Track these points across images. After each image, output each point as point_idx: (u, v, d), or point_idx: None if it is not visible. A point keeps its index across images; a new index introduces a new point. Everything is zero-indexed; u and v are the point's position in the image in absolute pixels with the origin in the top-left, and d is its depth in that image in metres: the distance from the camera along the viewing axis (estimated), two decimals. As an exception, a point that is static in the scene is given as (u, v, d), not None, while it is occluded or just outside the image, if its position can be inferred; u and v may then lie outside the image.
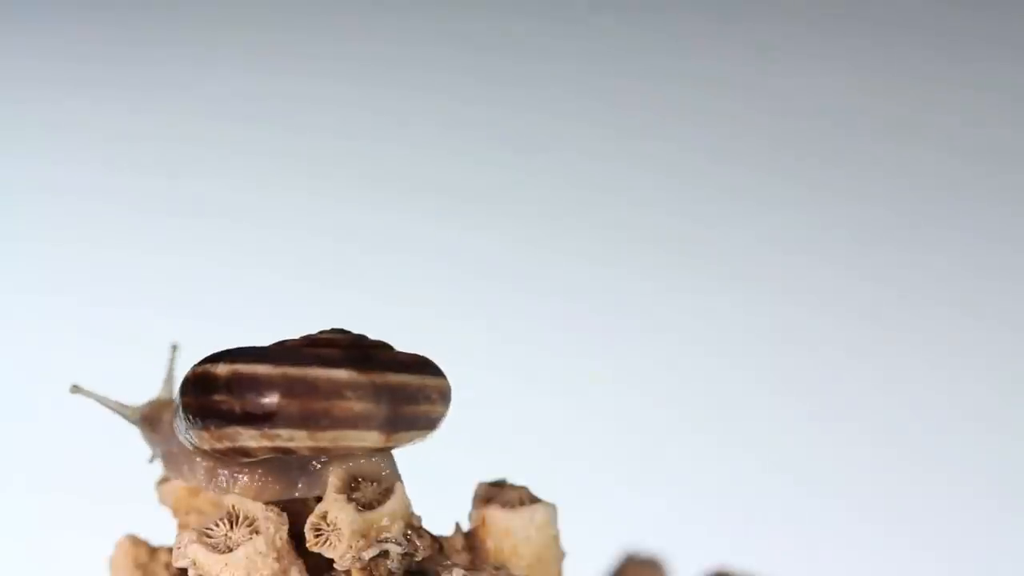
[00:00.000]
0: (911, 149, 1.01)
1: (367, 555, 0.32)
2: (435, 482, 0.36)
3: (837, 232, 0.96)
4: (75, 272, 0.91)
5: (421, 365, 0.33)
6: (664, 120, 1.04)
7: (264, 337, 0.33)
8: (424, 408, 0.32)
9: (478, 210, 0.99)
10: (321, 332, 0.33)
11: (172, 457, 0.35)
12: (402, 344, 0.33)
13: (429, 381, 0.32)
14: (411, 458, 0.34)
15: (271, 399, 0.31)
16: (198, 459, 0.33)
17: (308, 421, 0.31)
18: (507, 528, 0.34)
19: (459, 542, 0.34)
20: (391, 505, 0.32)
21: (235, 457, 0.32)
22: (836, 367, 0.87)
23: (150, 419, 0.36)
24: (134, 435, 0.37)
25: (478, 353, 0.83)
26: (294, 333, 0.33)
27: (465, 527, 0.35)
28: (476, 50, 1.08)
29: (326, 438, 0.31)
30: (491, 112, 1.05)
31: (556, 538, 0.35)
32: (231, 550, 0.31)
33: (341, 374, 0.31)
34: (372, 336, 0.33)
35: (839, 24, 1.09)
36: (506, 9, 1.11)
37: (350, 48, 1.09)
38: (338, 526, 0.31)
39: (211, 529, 0.32)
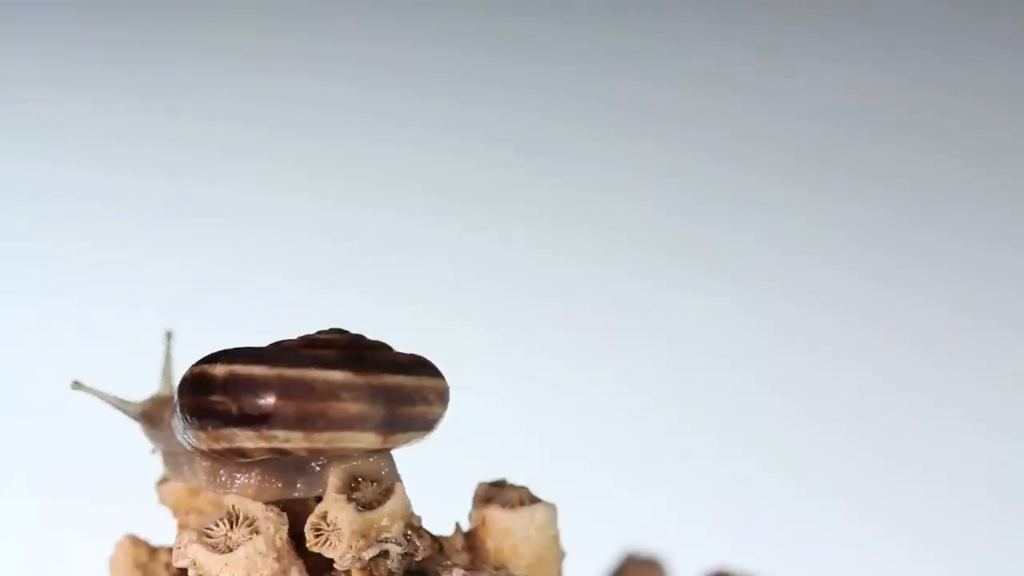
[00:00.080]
0: (911, 149, 1.01)
1: (367, 555, 0.32)
2: (435, 482, 0.36)
3: (837, 232, 0.96)
4: (75, 272, 0.91)
5: (418, 366, 0.33)
6: (664, 120, 1.04)
7: (264, 337, 0.33)
8: (421, 409, 0.32)
9: (478, 210, 0.99)
10: (319, 332, 0.33)
11: (172, 457, 0.35)
12: (402, 344, 0.33)
13: (426, 382, 0.32)
14: (411, 458, 0.34)
15: (267, 400, 0.31)
16: (198, 459, 0.33)
17: (304, 422, 0.31)
18: (507, 528, 0.34)
19: (459, 542, 0.34)
20: (391, 505, 0.32)
21: (233, 458, 0.32)
22: (836, 367, 0.87)
23: (150, 416, 0.36)
24: (134, 435, 0.37)
25: (478, 353, 0.83)
26: (293, 333, 0.33)
27: (465, 527, 0.35)
28: (476, 50, 1.08)
29: (322, 439, 0.31)
30: (491, 112, 1.05)
31: (556, 538, 0.35)
32: (231, 550, 0.31)
33: (337, 375, 0.31)
34: (371, 336, 0.33)
35: (839, 24, 1.09)
36: (506, 9, 1.11)
37: (350, 48, 1.09)
38: (338, 526, 0.31)
39: (211, 529, 0.32)
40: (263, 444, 0.31)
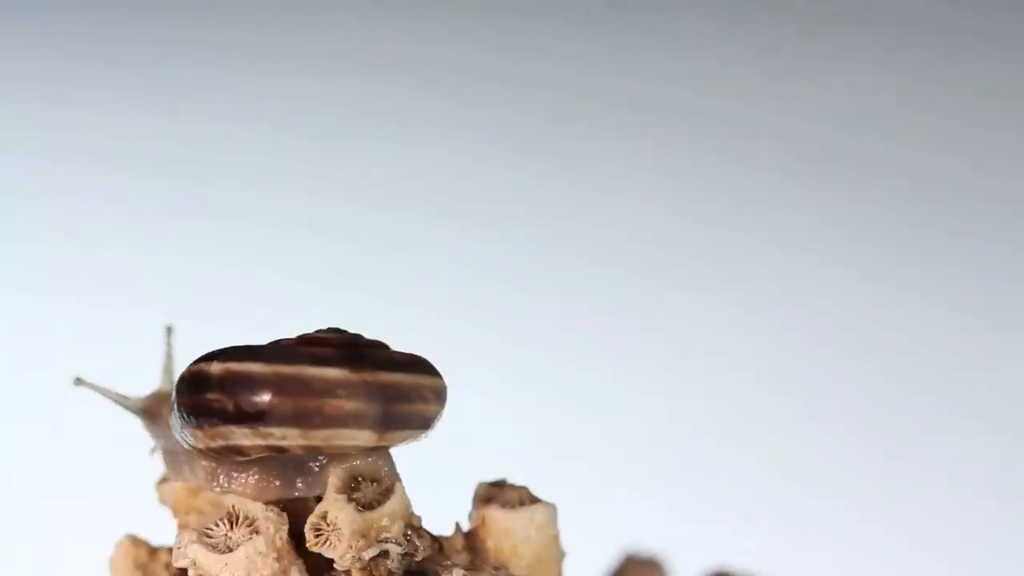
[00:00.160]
0: (911, 149, 1.01)
1: (367, 555, 0.32)
2: (435, 482, 0.36)
3: (837, 232, 0.96)
4: (75, 272, 0.91)
5: (415, 364, 0.33)
6: (664, 120, 1.04)
7: (264, 337, 0.33)
8: (418, 407, 0.32)
9: (478, 210, 0.99)
10: (317, 331, 0.33)
11: (172, 456, 0.35)
12: (401, 345, 0.33)
13: (423, 380, 0.32)
14: (411, 458, 0.34)
15: (263, 397, 0.31)
16: (198, 459, 0.33)
17: (300, 419, 0.31)
18: (507, 528, 0.34)
19: (459, 542, 0.34)
20: (391, 505, 0.32)
21: (230, 456, 0.32)
22: (836, 367, 0.87)
23: (150, 412, 0.36)
24: (134, 435, 0.37)
25: (478, 353, 0.83)
26: (293, 333, 0.33)
27: (465, 527, 0.35)
28: (476, 50, 1.08)
29: (318, 437, 0.31)
30: (491, 112, 1.05)
31: (556, 538, 0.35)
32: (231, 550, 0.31)
33: (333, 373, 0.31)
34: (370, 336, 0.33)
35: (839, 24, 1.09)
36: (506, 9, 1.11)
37: (350, 48, 1.09)
38: (338, 526, 0.31)
39: (211, 529, 0.32)
40: (259, 442, 0.31)
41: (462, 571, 0.33)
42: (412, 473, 0.34)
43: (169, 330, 0.37)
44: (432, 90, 1.06)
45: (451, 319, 0.87)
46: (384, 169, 1.01)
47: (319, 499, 0.32)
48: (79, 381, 0.36)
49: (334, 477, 0.32)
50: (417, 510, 0.33)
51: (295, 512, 0.33)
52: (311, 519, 0.32)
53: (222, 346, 0.32)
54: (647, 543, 0.46)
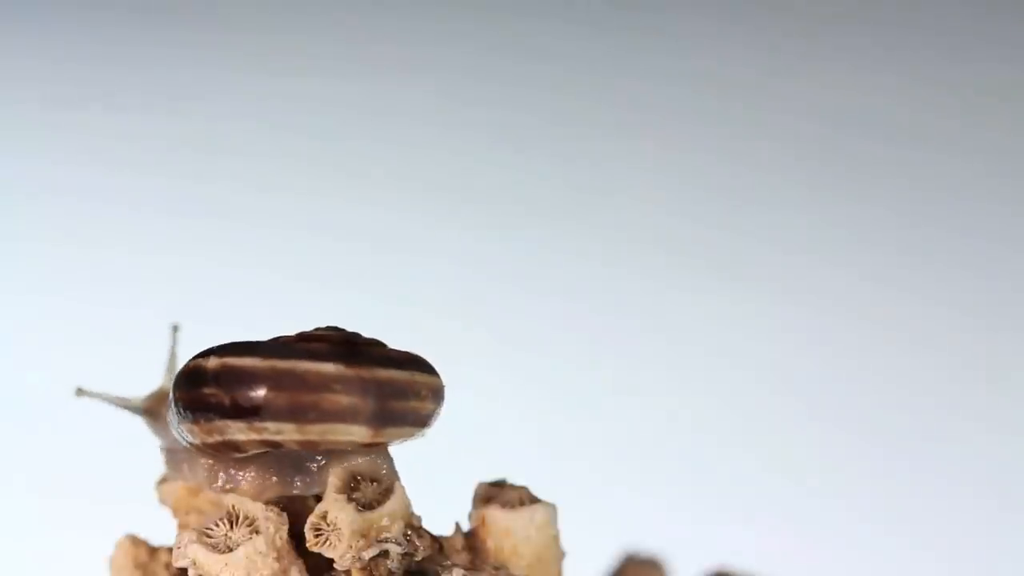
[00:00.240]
0: (911, 149, 1.01)
1: (367, 555, 0.32)
2: (435, 482, 0.36)
3: (837, 232, 0.96)
4: (75, 272, 0.91)
5: (412, 362, 0.33)
6: (664, 120, 1.04)
7: (264, 337, 0.33)
8: (414, 404, 0.32)
9: (478, 210, 0.99)
10: (316, 329, 0.33)
11: (173, 455, 0.35)
12: (402, 344, 0.33)
13: (419, 377, 0.32)
14: (411, 458, 0.34)
15: (258, 392, 0.31)
16: (198, 456, 0.33)
17: (296, 414, 0.31)
18: (507, 528, 0.34)
19: (459, 542, 0.34)
20: (391, 505, 0.32)
21: (226, 452, 0.32)
22: (836, 367, 0.87)
23: (152, 412, 0.36)
24: (133, 435, 0.37)
25: (478, 353, 0.83)
26: (293, 332, 0.33)
27: (465, 527, 0.35)
28: (476, 50, 1.08)
29: (314, 431, 0.31)
30: (491, 112, 1.05)
31: (556, 538, 0.35)
32: (231, 550, 0.31)
33: (329, 367, 0.31)
34: (369, 335, 0.33)
35: (839, 24, 1.09)
36: (506, 9, 1.11)
37: (350, 48, 1.09)
38: (338, 526, 0.31)
39: (211, 529, 0.32)
40: (255, 436, 0.31)
41: (462, 571, 0.33)
42: (412, 473, 0.34)
43: (175, 328, 0.37)
44: (432, 90, 1.06)
45: (451, 319, 0.87)
46: (384, 169, 1.01)
47: (319, 499, 0.32)
48: (80, 392, 0.36)
49: (334, 477, 0.32)
50: (417, 510, 0.33)
51: (295, 512, 0.33)
52: (311, 519, 0.32)
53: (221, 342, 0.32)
54: (647, 543, 0.46)
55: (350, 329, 0.33)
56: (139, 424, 0.37)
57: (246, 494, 0.33)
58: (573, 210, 0.98)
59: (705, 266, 0.94)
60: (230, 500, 0.32)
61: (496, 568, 0.34)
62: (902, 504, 0.78)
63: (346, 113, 1.04)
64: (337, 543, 0.31)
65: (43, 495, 0.74)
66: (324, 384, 0.31)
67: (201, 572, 0.31)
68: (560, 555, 0.35)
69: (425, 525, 0.33)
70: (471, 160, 1.03)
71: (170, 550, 0.35)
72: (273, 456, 0.33)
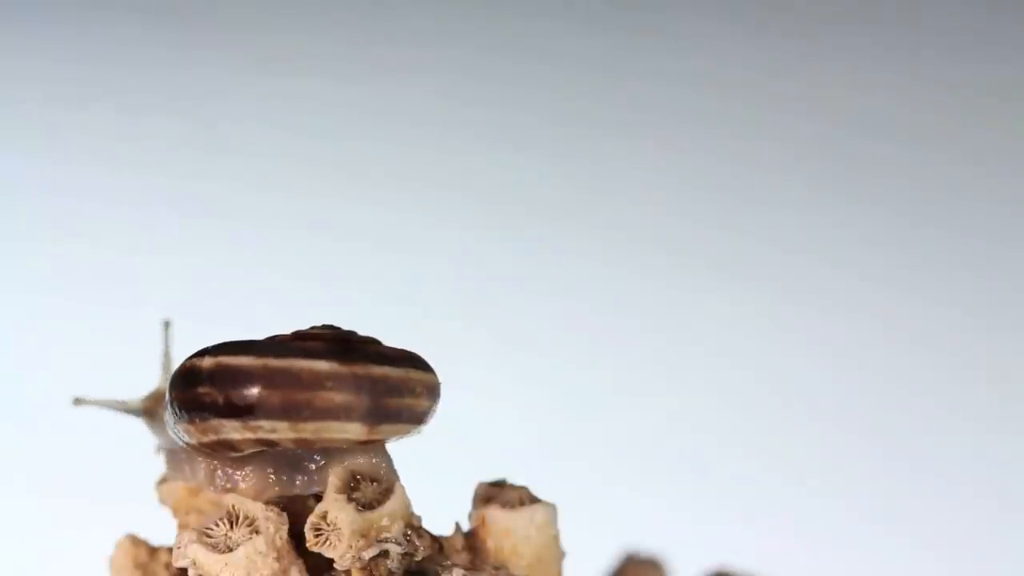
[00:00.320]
0: (911, 149, 1.01)
1: (367, 555, 0.32)
2: (435, 482, 0.36)
3: (837, 232, 0.96)
4: (75, 272, 0.91)
5: (407, 359, 0.33)
6: (664, 120, 1.04)
7: (263, 337, 0.33)
8: (408, 401, 0.32)
9: (478, 210, 0.99)
10: (312, 328, 0.33)
11: (173, 455, 0.35)
12: (402, 344, 0.33)
13: (414, 375, 0.32)
14: (411, 458, 0.34)
15: (252, 390, 0.31)
16: (199, 458, 0.33)
17: (290, 412, 0.31)
18: (507, 528, 0.34)
19: (459, 542, 0.34)
20: (391, 505, 0.32)
21: (223, 451, 0.32)
22: (837, 367, 0.87)
23: (151, 412, 0.36)
24: (133, 435, 0.37)
25: (478, 353, 0.83)
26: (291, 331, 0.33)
27: (465, 527, 0.35)
28: (476, 50, 1.08)
29: (308, 429, 0.31)
30: (491, 112, 1.05)
31: (556, 538, 0.35)
32: (231, 550, 0.31)
33: (322, 365, 0.31)
34: (367, 334, 0.33)
35: (839, 24, 1.09)
36: (506, 9, 1.11)
37: (350, 48, 1.09)
38: (338, 526, 0.31)
39: (211, 529, 0.32)
40: (249, 435, 0.31)
41: (462, 571, 0.33)
42: (412, 473, 0.34)
43: (167, 324, 0.37)
44: (432, 90, 1.06)
45: (451, 319, 0.87)
46: (384, 169, 1.01)
47: (319, 499, 0.32)
48: (78, 401, 0.36)
49: (334, 476, 0.32)
50: (417, 510, 0.33)
51: (295, 512, 0.33)
52: (311, 519, 0.32)
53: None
54: (647, 543, 0.46)
55: (347, 328, 0.33)
56: (138, 424, 0.37)
57: (246, 494, 0.33)
58: (573, 210, 0.98)
59: (705, 266, 0.94)
60: (230, 500, 0.32)
61: (496, 568, 0.34)
62: (902, 504, 0.78)
63: (346, 113, 1.04)
64: (337, 543, 0.31)
65: (43, 495, 0.74)
66: (318, 382, 0.31)
67: (201, 572, 0.31)
68: (560, 555, 0.35)
69: (425, 525, 0.33)
70: (471, 160, 1.03)
71: (170, 550, 0.35)
72: (272, 456, 0.33)
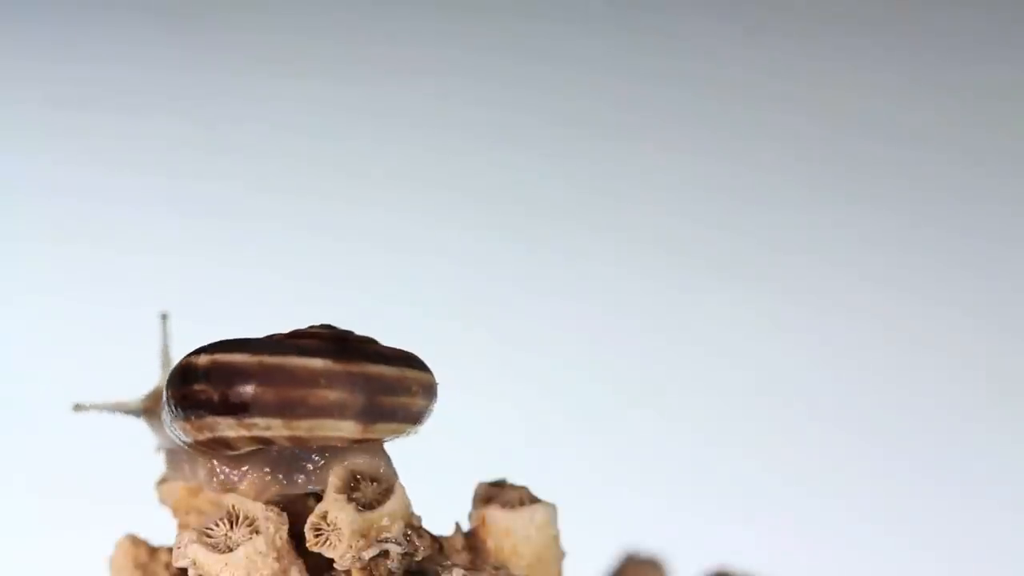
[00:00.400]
0: (911, 150, 1.01)
1: (367, 555, 0.32)
2: (435, 482, 0.36)
3: (837, 232, 0.96)
4: (75, 272, 0.91)
5: (402, 358, 0.33)
6: (665, 120, 1.04)
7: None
8: (403, 400, 0.32)
9: (478, 210, 0.99)
10: (309, 327, 0.33)
11: (174, 455, 0.35)
12: (402, 344, 0.33)
13: (410, 374, 0.32)
14: (412, 458, 0.34)
15: (247, 387, 0.31)
16: (199, 457, 0.33)
17: (284, 409, 0.31)
18: (507, 528, 0.34)
19: (459, 542, 0.34)
20: (391, 505, 0.32)
21: (218, 449, 0.32)
22: (836, 367, 0.87)
23: (151, 411, 0.36)
24: (133, 435, 0.37)
25: (478, 353, 0.83)
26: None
27: (465, 527, 0.35)
28: (476, 50, 1.08)
29: (302, 427, 0.31)
30: (491, 112, 1.05)
31: (556, 538, 0.35)
32: (231, 550, 0.31)
33: (317, 363, 0.31)
34: (367, 334, 0.33)
35: (839, 24, 1.09)
36: (506, 9, 1.11)
37: (350, 48, 1.09)
38: (338, 526, 0.31)
39: (211, 529, 0.32)
40: (244, 433, 0.31)
41: (462, 571, 0.33)
42: (412, 473, 0.34)
43: (164, 317, 0.37)
44: (432, 90, 1.06)
45: (451, 319, 0.87)
46: (384, 169, 1.01)
47: (319, 498, 0.32)
48: (78, 407, 0.36)
49: (334, 476, 0.32)
50: (417, 510, 0.33)
51: (295, 512, 0.33)
52: (311, 519, 0.32)
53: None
54: (647, 543, 0.46)
55: (345, 328, 0.33)
56: (138, 424, 0.37)
57: (246, 494, 0.33)
58: (573, 210, 0.98)
59: (705, 266, 0.94)
60: (230, 500, 0.32)
61: (496, 568, 0.34)
62: (902, 504, 0.78)
63: (346, 113, 1.04)
64: (337, 543, 0.31)
65: (43, 495, 0.74)
66: (312, 379, 0.31)
67: (201, 572, 0.31)
68: (560, 555, 0.35)
69: (425, 525, 0.33)
70: (471, 160, 1.03)
71: (170, 550, 0.35)
72: (271, 455, 0.33)
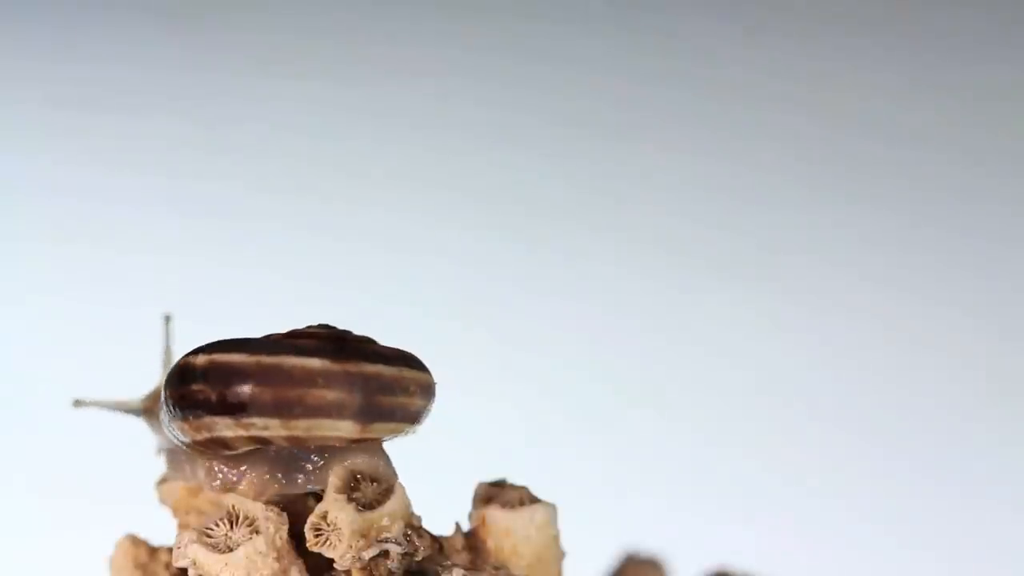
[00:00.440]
0: (912, 150, 1.01)
1: (367, 555, 0.32)
2: (435, 482, 0.36)
3: (837, 232, 0.96)
4: (75, 272, 0.91)
5: (400, 358, 0.32)
6: (665, 120, 1.04)
7: (262, 337, 0.33)
8: (401, 400, 0.32)
9: (478, 210, 0.99)
10: (307, 327, 0.33)
11: (174, 455, 0.35)
12: (402, 344, 0.33)
13: (408, 373, 0.32)
14: (411, 458, 0.34)
15: (244, 387, 0.31)
16: (198, 458, 0.33)
17: (281, 409, 0.31)
18: (507, 528, 0.34)
19: (459, 542, 0.34)
20: (391, 505, 0.32)
21: (216, 449, 0.32)
22: (837, 367, 0.87)
23: (151, 411, 0.36)
24: (133, 435, 0.37)
25: (478, 353, 0.83)
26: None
27: (465, 527, 0.35)
28: (476, 50, 1.08)
29: (300, 427, 0.31)
30: (491, 112, 1.05)
31: (556, 538, 0.35)
32: (231, 550, 0.31)
33: (314, 362, 0.31)
34: (367, 334, 0.33)
35: (839, 24, 1.09)
36: (506, 9, 1.11)
37: (350, 48, 1.09)
38: (338, 526, 0.31)
39: (211, 529, 0.32)
40: (242, 432, 0.31)
41: (462, 571, 0.33)
42: (412, 473, 0.34)
43: (167, 319, 0.37)
44: (432, 91, 1.06)
45: (451, 319, 0.87)
46: (384, 169, 1.01)
47: (319, 498, 0.32)
48: (78, 403, 0.36)
49: (334, 476, 0.32)
50: (417, 510, 0.33)
51: (295, 512, 0.33)
52: (311, 519, 0.32)
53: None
54: (647, 543, 0.46)
55: (344, 327, 0.33)
56: (138, 424, 0.37)
57: (245, 494, 0.33)
58: (573, 210, 0.99)
59: (705, 266, 0.94)
60: (230, 500, 0.32)
61: (496, 568, 0.34)
62: (902, 504, 0.78)
63: (346, 113, 1.04)
64: (337, 543, 0.31)
65: (43, 495, 0.74)
66: (309, 379, 0.31)
67: (201, 572, 0.31)
68: (560, 555, 0.35)
69: (425, 525, 0.33)
70: (471, 160, 1.03)
71: (170, 550, 0.35)
72: (270, 455, 0.33)
